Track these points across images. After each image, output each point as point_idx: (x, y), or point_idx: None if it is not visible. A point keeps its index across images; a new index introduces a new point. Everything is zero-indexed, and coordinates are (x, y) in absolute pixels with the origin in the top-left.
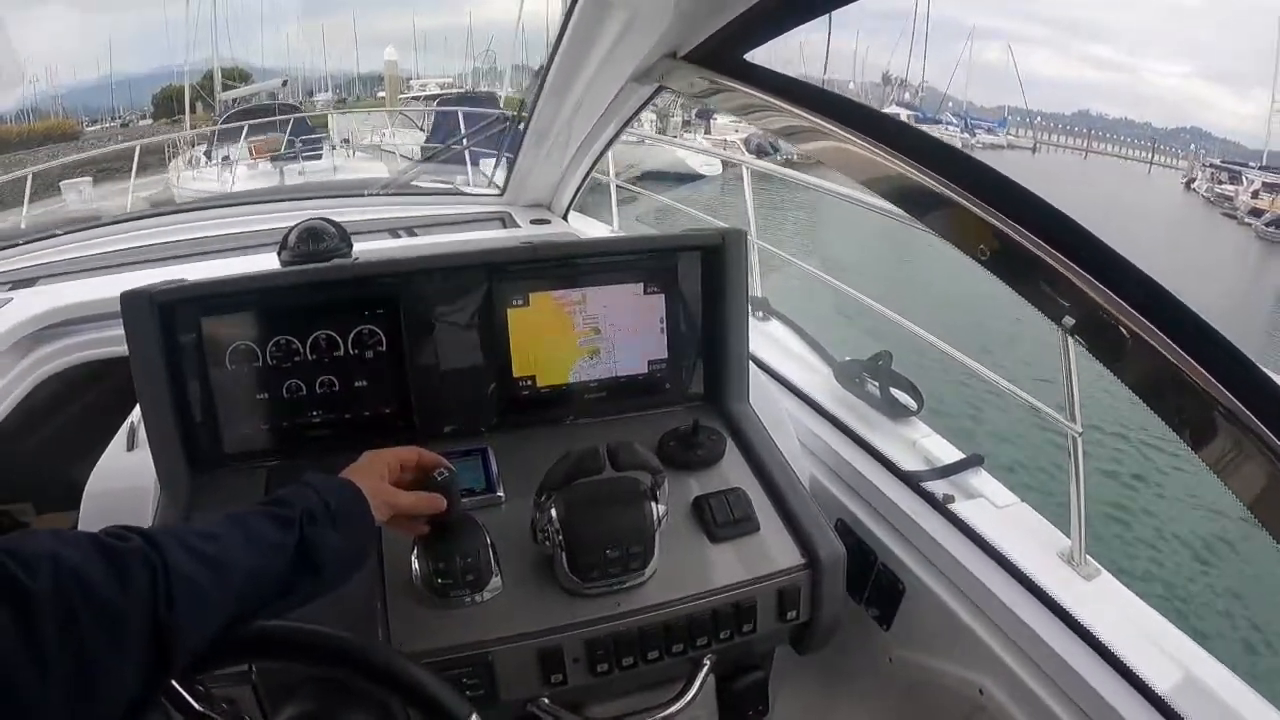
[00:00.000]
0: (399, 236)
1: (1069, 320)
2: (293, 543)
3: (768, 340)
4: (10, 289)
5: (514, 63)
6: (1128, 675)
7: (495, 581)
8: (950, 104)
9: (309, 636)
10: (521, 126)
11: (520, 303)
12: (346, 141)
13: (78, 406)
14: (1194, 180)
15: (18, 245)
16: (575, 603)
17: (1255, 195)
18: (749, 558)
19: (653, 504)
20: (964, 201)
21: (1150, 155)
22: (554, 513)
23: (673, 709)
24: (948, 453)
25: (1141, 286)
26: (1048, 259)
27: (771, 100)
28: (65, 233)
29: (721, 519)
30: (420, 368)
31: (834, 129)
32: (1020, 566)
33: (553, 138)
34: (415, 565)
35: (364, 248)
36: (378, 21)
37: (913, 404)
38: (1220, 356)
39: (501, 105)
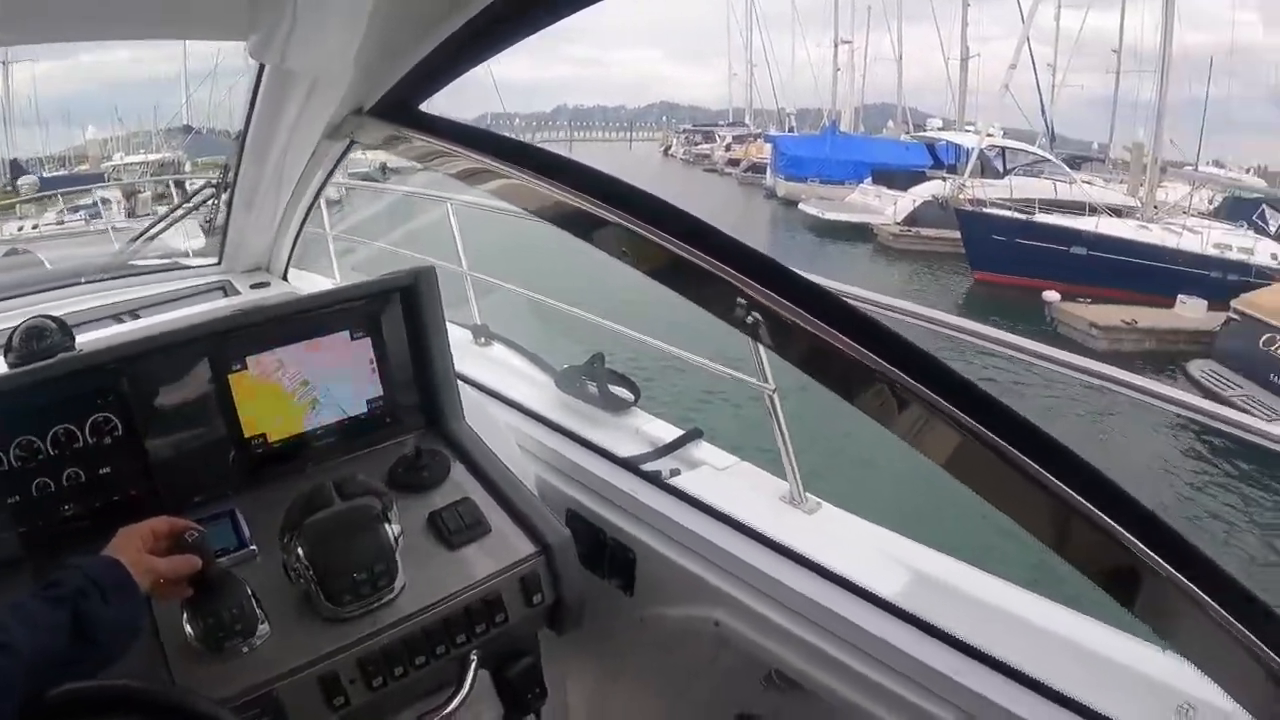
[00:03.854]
0: (123, 321)
1: (741, 303)
2: (68, 620)
3: (491, 363)
4: None
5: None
6: (835, 579)
7: (264, 627)
8: None
9: (117, 691)
10: (228, 191)
11: (239, 367)
12: None
13: None
14: (670, 147)
15: None
16: (339, 628)
17: (729, 148)
18: (487, 556)
19: (387, 525)
20: (622, 221)
21: (630, 134)
22: (300, 551)
23: (452, 706)
24: (669, 433)
25: (781, 276)
26: (700, 263)
27: (450, 147)
28: None
29: (455, 527)
30: (158, 445)
31: (505, 168)
32: (734, 516)
33: (260, 200)
34: (187, 626)
35: (88, 338)
36: None
37: (630, 396)
38: (852, 324)
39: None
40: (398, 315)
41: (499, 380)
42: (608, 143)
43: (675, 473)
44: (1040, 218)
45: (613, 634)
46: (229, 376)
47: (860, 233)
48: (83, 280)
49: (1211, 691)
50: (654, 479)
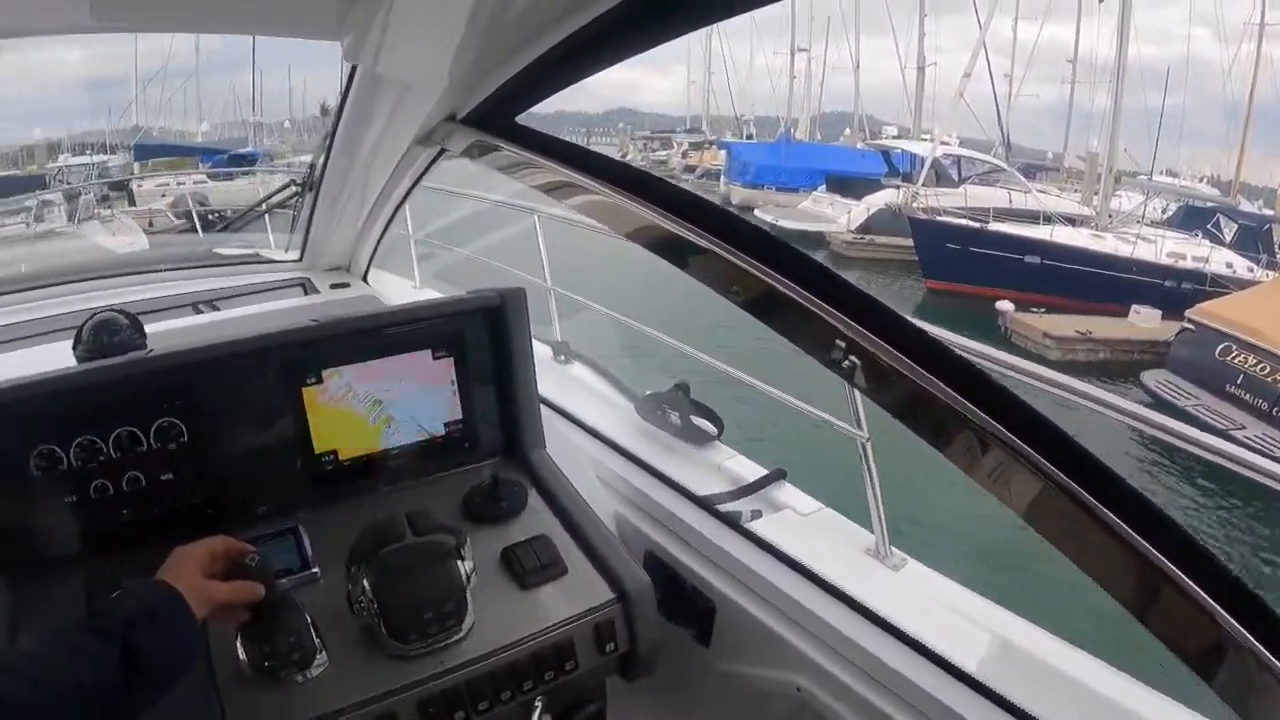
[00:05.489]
0: (201, 312)
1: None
2: (116, 652)
3: (571, 383)
4: None
5: None
6: (927, 654)
7: (321, 657)
8: None
9: None
10: (313, 190)
11: (313, 380)
12: None
13: None
14: (626, 154)
15: None
16: (401, 666)
17: (685, 155)
18: (561, 599)
19: (459, 562)
20: (717, 249)
21: (587, 140)
22: (366, 583)
23: None
24: (752, 471)
25: (882, 316)
26: (797, 298)
27: (541, 160)
28: None
29: (530, 566)
30: (223, 455)
31: (595, 185)
32: (818, 571)
33: (345, 200)
34: (241, 652)
35: (162, 328)
36: None
37: (713, 429)
38: (962, 375)
39: None
40: (483, 336)
41: (579, 404)
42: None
43: (756, 515)
44: (994, 226)
45: (685, 686)
46: (303, 389)
47: (814, 240)
48: (163, 268)
49: None
50: (734, 523)
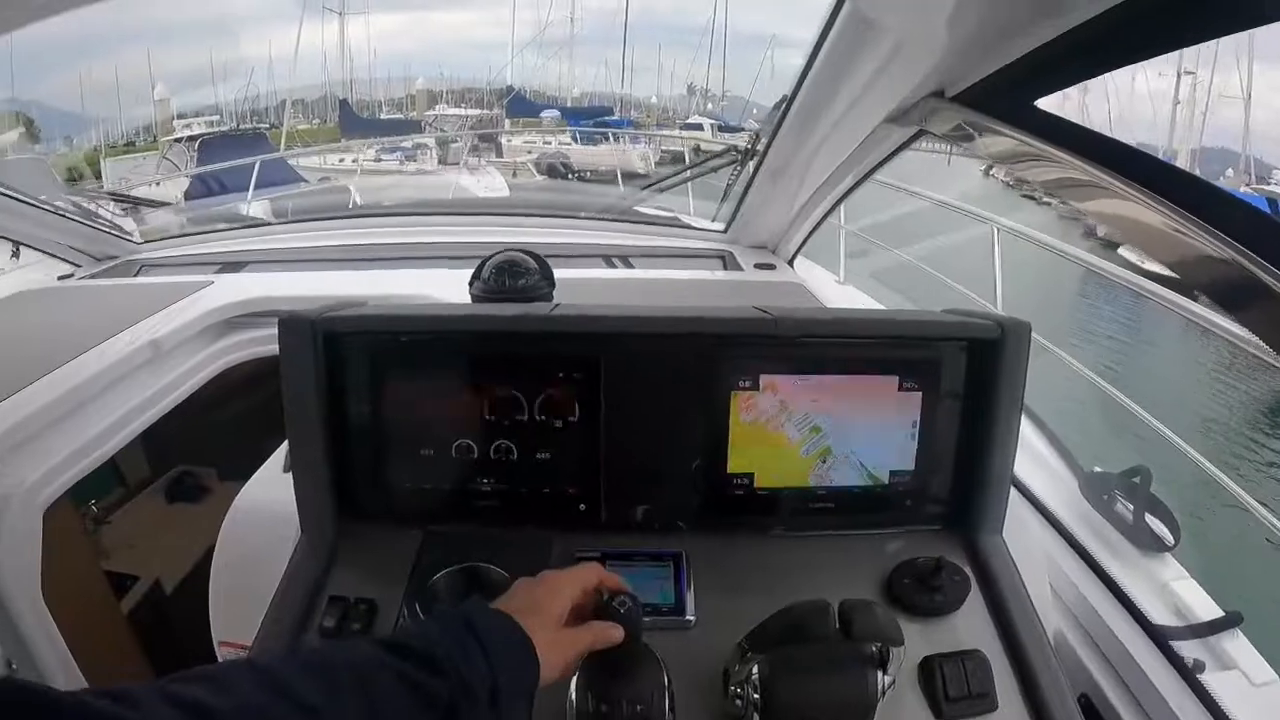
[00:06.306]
0: (614, 265)
1: None
2: None
3: None
4: (219, 270)
5: (292, 98)
6: None
7: None
8: (755, 109)
9: None
10: (754, 161)
11: (748, 384)
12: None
13: (267, 393)
14: (991, 167)
15: (232, 229)
16: None
17: None
18: None
19: (878, 674)
20: None
21: (949, 151)
22: (756, 670)
23: None
24: (1201, 603)
25: None
26: None
27: (1064, 155)
28: (280, 222)
29: (954, 692)
30: (616, 446)
31: (1144, 195)
32: None
33: (788, 177)
34: (572, 696)
35: (573, 275)
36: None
37: (1169, 537)
38: None
39: (281, 143)
40: (961, 372)
41: (1027, 472)
42: (927, 153)
43: (1200, 667)
44: None
45: None
46: (734, 393)
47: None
48: (582, 215)
49: None
50: (1192, 678)
